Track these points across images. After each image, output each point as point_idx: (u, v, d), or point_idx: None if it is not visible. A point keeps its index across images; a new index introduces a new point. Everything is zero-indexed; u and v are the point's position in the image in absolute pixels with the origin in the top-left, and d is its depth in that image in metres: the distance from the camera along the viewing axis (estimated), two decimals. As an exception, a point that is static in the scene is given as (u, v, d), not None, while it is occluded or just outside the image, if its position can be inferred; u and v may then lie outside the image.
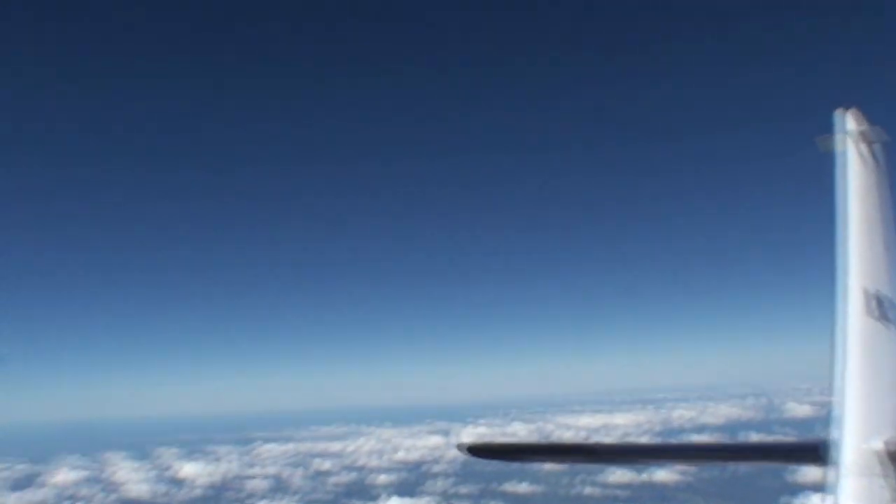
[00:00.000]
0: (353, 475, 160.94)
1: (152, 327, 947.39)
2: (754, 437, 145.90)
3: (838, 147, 10.80)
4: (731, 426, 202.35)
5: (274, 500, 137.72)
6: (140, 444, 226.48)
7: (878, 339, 10.42)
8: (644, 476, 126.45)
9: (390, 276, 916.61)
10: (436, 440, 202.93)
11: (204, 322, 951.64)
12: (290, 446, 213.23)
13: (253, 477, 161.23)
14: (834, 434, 9.29)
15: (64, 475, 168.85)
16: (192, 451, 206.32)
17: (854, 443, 9.20)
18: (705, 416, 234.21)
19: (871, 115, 11.19)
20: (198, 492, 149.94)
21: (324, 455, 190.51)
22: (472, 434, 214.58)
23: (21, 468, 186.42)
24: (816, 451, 9.86)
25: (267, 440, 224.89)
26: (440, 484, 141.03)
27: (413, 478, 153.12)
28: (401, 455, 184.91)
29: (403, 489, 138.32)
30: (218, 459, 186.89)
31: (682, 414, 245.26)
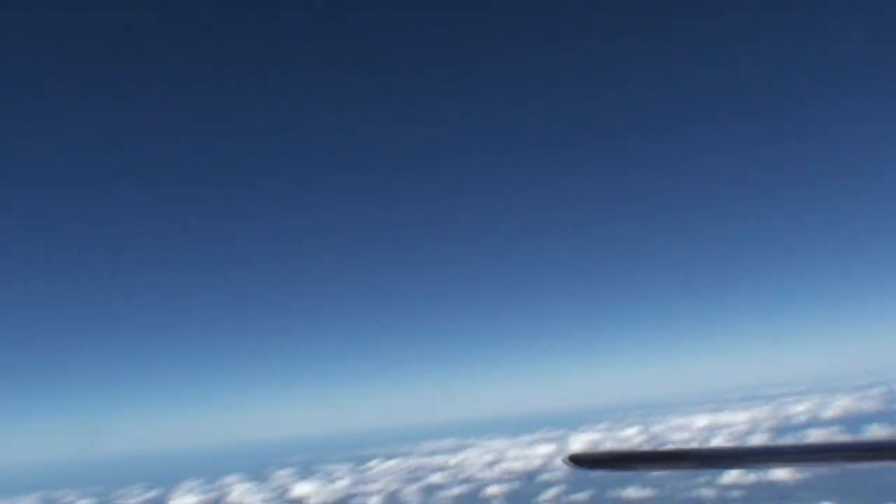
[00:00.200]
0: (466, 487, 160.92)
1: (267, 352, 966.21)
2: (877, 431, 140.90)
3: None
4: (853, 419, 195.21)
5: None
6: (257, 466, 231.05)
7: None
8: (760, 475, 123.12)
9: (498, 286, 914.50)
10: (547, 448, 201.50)
11: (317, 344, 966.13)
12: (403, 462, 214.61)
13: (366, 493, 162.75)
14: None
15: (185, 499, 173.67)
16: (307, 470, 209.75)
17: None
18: (824, 410, 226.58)
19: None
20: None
21: (436, 469, 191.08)
22: (584, 441, 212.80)
23: (145, 494, 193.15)
24: None
25: (380, 457, 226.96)
26: (552, 492, 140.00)
27: (525, 488, 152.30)
28: (512, 465, 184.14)
29: (515, 499, 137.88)
30: (332, 478, 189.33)
31: (799, 409, 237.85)
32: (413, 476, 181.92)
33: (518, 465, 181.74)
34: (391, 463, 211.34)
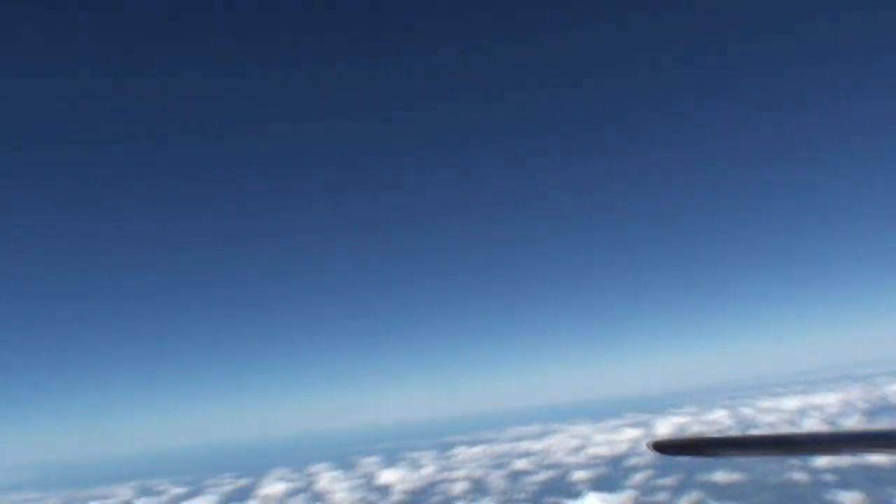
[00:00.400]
0: (551, 473, 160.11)
1: (358, 342, 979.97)
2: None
3: None
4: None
5: (473, 502, 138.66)
6: (344, 454, 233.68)
7: None
8: (855, 458, 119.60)
9: (579, 274, 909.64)
10: (633, 433, 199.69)
11: (405, 333, 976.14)
12: (488, 448, 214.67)
13: (451, 480, 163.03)
14: None
15: (274, 487, 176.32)
16: (393, 458, 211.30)
17: None
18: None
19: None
20: (398, 497, 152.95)
21: (521, 455, 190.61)
22: (669, 425, 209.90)
23: (236, 482, 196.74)
24: None
25: (465, 443, 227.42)
26: (639, 477, 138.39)
27: (611, 473, 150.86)
28: (598, 450, 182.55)
29: (601, 485, 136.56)
30: (417, 465, 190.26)
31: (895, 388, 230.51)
32: (498, 462, 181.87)
33: (604, 451, 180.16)
34: (476, 449, 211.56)
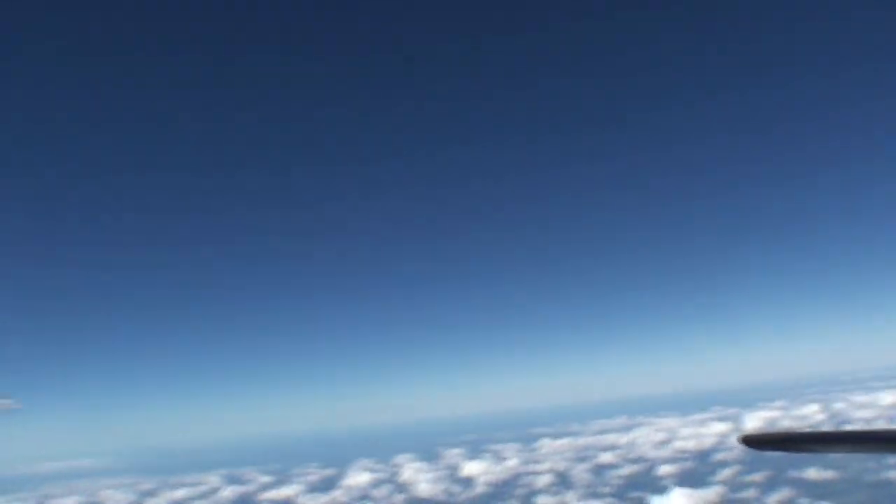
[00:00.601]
0: (637, 467, 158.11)
1: (441, 334, 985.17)
2: None
3: None
4: None
5: (557, 495, 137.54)
6: (428, 445, 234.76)
7: None
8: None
9: (667, 266, 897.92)
10: (721, 427, 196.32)
11: (488, 324, 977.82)
12: (572, 441, 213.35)
13: (535, 473, 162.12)
14: None
15: (358, 477, 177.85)
16: (477, 449, 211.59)
17: None
18: None
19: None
20: (482, 489, 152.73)
21: (606, 448, 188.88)
22: (759, 419, 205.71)
23: (321, 472, 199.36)
24: None
25: (549, 436, 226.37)
26: (726, 473, 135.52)
27: (698, 467, 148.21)
28: (685, 444, 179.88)
29: (688, 479, 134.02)
30: (501, 457, 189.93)
31: None
32: (582, 455, 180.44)
33: (690, 445, 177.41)
34: (560, 442, 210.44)
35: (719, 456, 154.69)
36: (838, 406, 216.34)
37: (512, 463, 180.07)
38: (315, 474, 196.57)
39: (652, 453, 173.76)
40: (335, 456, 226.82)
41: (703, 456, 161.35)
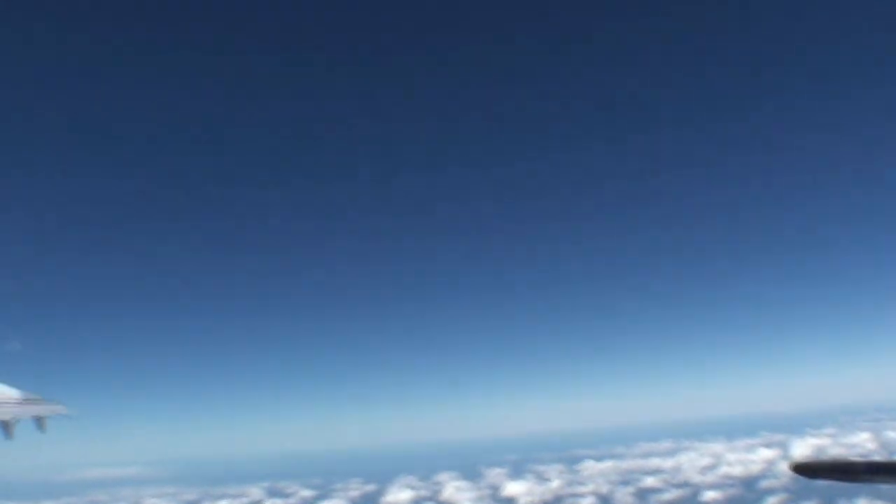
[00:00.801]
0: (681, 492, 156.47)
1: (484, 352, 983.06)
2: None
3: None
4: None
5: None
6: (470, 464, 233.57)
7: None
8: None
9: (718, 286, 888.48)
10: (769, 453, 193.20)
11: (532, 343, 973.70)
12: (616, 463, 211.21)
13: (578, 495, 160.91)
14: None
15: (400, 494, 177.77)
16: (519, 469, 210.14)
17: None
18: None
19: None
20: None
21: (651, 471, 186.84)
22: (807, 446, 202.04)
23: (363, 488, 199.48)
24: None
25: (592, 458, 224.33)
26: (773, 501, 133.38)
27: (744, 494, 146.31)
28: (731, 470, 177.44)
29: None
30: (543, 478, 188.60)
31: None
32: (626, 478, 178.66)
33: (737, 471, 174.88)
34: (604, 464, 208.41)
35: (766, 483, 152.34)
36: (890, 435, 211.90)
37: (555, 484, 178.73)
38: (357, 490, 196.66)
39: (697, 478, 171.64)
40: (377, 472, 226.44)
41: (749, 483, 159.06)
